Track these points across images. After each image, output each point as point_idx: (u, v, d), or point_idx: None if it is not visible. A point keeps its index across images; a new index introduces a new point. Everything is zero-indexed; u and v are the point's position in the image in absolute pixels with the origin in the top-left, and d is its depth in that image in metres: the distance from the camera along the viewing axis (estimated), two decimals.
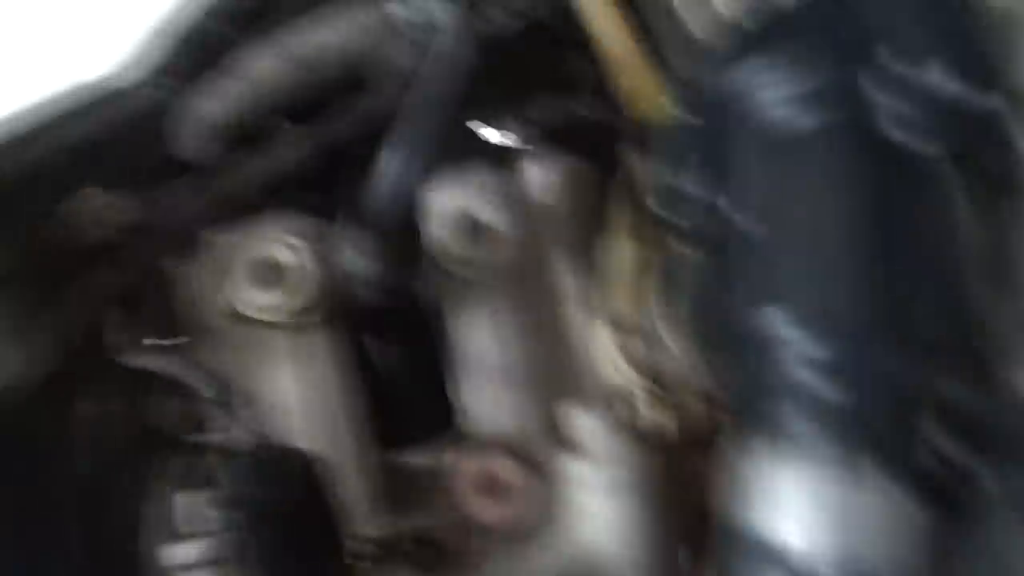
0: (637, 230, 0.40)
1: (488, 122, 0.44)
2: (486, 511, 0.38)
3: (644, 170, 0.40)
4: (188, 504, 0.32)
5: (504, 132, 0.44)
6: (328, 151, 0.42)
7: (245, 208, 0.40)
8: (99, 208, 0.40)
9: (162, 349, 0.37)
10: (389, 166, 0.40)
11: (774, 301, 0.25)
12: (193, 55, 0.43)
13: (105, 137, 0.41)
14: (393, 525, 0.39)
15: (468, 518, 0.38)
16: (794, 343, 0.24)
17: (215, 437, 0.33)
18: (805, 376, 0.24)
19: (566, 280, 0.44)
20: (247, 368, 0.40)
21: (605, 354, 0.40)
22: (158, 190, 0.40)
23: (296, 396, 0.39)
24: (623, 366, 0.39)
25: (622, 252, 0.39)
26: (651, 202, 0.37)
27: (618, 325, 0.40)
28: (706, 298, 0.32)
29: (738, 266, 0.28)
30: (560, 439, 0.40)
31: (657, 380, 0.39)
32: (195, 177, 0.41)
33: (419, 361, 0.42)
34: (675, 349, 0.38)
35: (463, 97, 0.42)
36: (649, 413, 0.39)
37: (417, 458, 0.41)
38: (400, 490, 0.41)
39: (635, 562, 0.38)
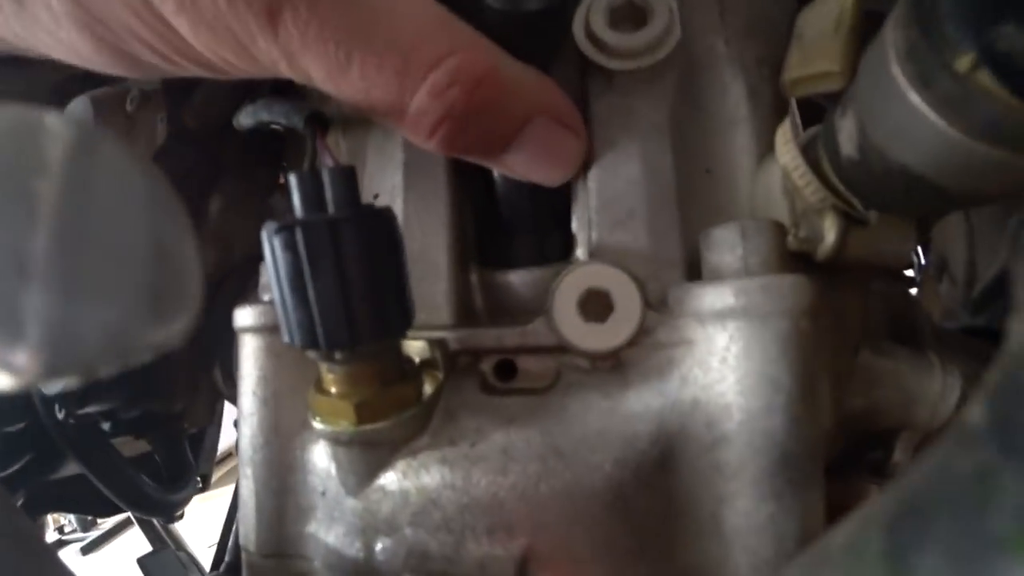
0: None
1: None
2: (586, 336, 0.30)
3: None
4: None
5: None
6: None
7: None
8: None
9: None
10: None
11: None
12: None
13: None
14: (476, 339, 0.33)
15: (563, 343, 0.31)
16: None
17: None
18: None
19: (735, 106, 0.35)
20: (363, 155, 0.38)
21: (785, 165, 0.30)
22: None
23: (403, 186, 0.36)
24: (807, 179, 0.29)
25: (830, 9, 0.28)
26: None
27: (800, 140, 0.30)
28: None
29: None
30: (696, 272, 0.31)
31: (849, 195, 0.28)
32: None
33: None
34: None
35: None
36: (834, 236, 0.28)
37: (520, 276, 0.35)
38: (494, 307, 0.36)
39: (757, 421, 0.27)
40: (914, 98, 0.21)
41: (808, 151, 0.30)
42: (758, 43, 0.37)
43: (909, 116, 0.21)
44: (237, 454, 0.37)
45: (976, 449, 0.09)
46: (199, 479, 0.84)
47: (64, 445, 0.58)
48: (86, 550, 2.17)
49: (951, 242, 0.49)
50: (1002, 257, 0.46)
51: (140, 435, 0.72)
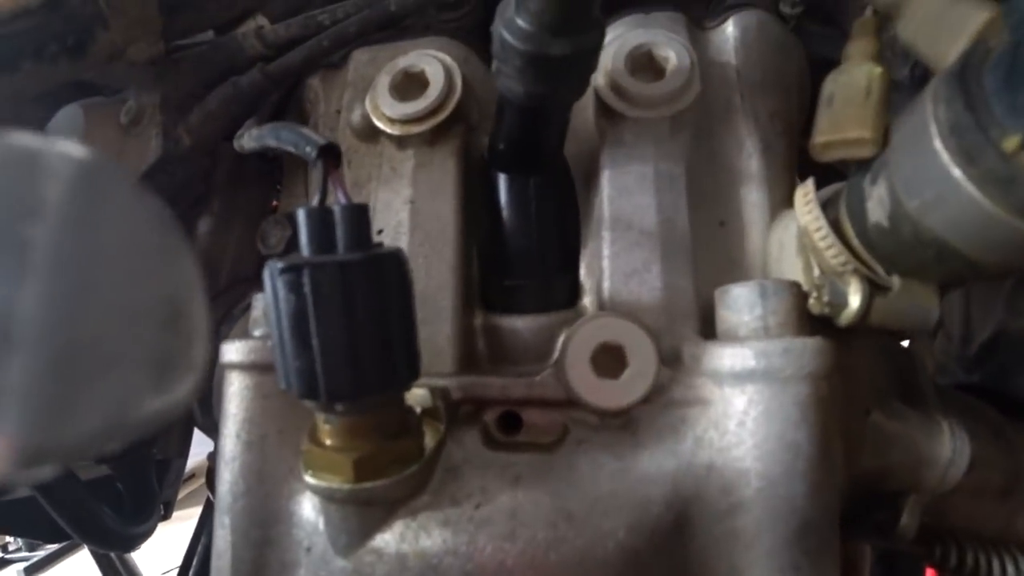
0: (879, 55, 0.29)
1: None
2: (598, 392, 0.29)
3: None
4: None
5: None
6: None
7: (395, 27, 0.38)
8: (261, 27, 0.41)
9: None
10: None
11: None
12: None
13: None
14: (480, 388, 0.31)
15: (573, 398, 0.29)
16: None
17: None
18: None
19: (749, 159, 0.35)
20: (368, 188, 0.37)
21: (806, 225, 0.29)
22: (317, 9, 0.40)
23: (409, 224, 0.35)
24: (829, 242, 0.28)
25: (859, 75, 0.28)
26: None
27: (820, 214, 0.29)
28: None
29: None
30: (709, 325, 0.30)
31: (871, 260, 0.27)
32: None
33: (552, 221, 0.35)
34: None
35: None
36: (858, 302, 0.27)
37: (526, 322, 0.34)
38: (496, 352, 0.34)
39: (776, 488, 0.26)
40: (957, 173, 0.20)
41: (827, 211, 0.30)
42: (771, 98, 0.37)
43: (950, 190, 0.21)
44: (215, 499, 0.35)
45: None
46: (162, 506, 0.79)
47: None
48: (30, 571, 2.05)
49: (947, 299, 0.49)
50: (998, 316, 0.46)
51: (102, 461, 0.68)
